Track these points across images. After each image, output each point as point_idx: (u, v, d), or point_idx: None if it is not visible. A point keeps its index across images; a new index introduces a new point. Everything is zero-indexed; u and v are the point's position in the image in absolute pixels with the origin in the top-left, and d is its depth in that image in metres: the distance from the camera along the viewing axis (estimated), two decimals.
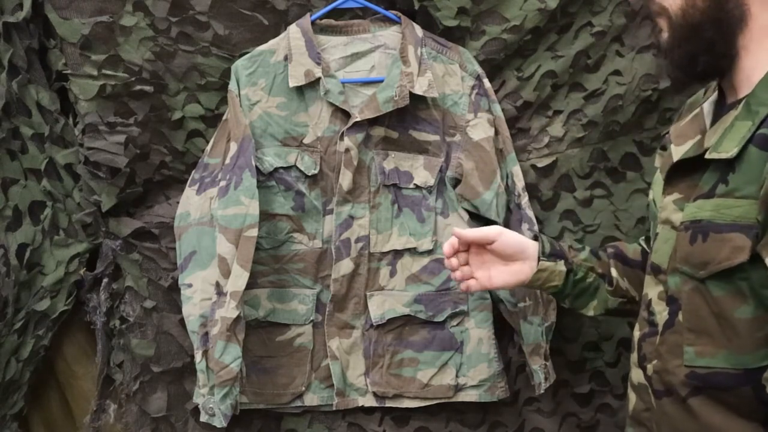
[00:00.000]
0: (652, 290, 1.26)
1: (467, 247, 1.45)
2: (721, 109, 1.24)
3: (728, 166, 1.13)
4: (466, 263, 1.46)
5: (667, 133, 1.38)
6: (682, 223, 1.19)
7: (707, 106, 1.28)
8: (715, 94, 1.28)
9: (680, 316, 1.18)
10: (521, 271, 1.45)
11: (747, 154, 1.11)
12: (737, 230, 1.09)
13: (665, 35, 1.22)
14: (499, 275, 1.45)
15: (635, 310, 1.44)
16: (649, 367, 1.23)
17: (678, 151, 1.26)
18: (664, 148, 1.44)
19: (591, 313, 1.51)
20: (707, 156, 1.16)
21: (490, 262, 1.45)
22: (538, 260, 1.45)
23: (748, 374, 1.11)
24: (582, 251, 1.50)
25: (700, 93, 1.40)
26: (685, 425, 1.17)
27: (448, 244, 1.44)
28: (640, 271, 1.45)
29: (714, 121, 1.24)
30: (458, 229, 1.44)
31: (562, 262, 1.46)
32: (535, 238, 1.49)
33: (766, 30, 1.17)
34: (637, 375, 1.27)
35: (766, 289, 1.09)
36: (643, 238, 1.56)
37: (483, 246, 1.44)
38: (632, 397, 1.29)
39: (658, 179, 1.35)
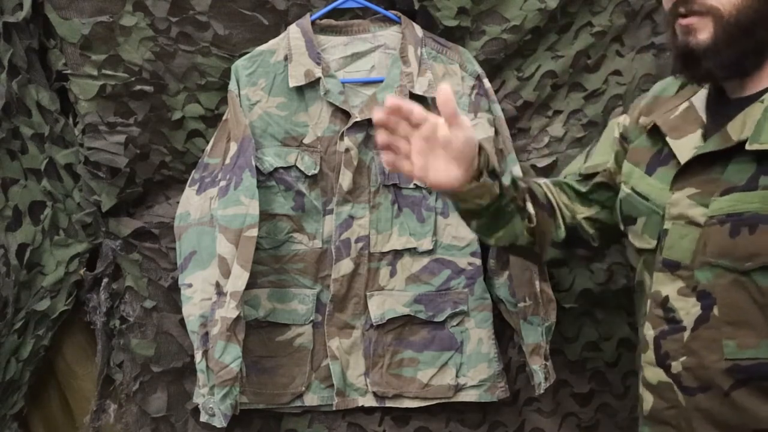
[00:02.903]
0: (666, 287, 1.25)
1: (416, 123, 1.20)
2: (721, 103, 1.25)
3: None
4: (407, 139, 1.21)
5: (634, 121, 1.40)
6: (712, 218, 1.19)
7: (698, 101, 1.29)
8: (704, 90, 1.29)
9: (715, 311, 1.19)
10: (456, 175, 1.24)
11: None
12: None
13: (702, 36, 1.19)
14: (436, 172, 1.23)
15: (533, 252, 1.43)
16: (675, 364, 1.23)
17: (682, 146, 1.26)
18: (623, 137, 1.44)
19: (492, 242, 1.40)
20: (748, 147, 1.16)
21: (436, 152, 1.21)
22: (479, 172, 1.27)
23: None
24: (505, 177, 1.36)
25: (667, 86, 1.40)
26: (726, 419, 1.18)
27: (391, 101, 1.18)
28: (546, 214, 1.41)
29: (713, 115, 1.25)
30: (445, 86, 1.17)
31: (497, 183, 1.31)
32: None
33: None
34: (654, 374, 1.26)
35: None
36: (556, 184, 1.49)
37: (436, 133, 1.21)
38: (648, 397, 1.28)
39: (635, 172, 1.34)
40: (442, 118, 1.19)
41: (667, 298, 1.25)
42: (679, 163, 1.26)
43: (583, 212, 1.48)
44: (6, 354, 1.66)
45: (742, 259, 1.16)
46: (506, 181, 1.35)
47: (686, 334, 1.22)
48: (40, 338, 1.70)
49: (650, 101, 1.41)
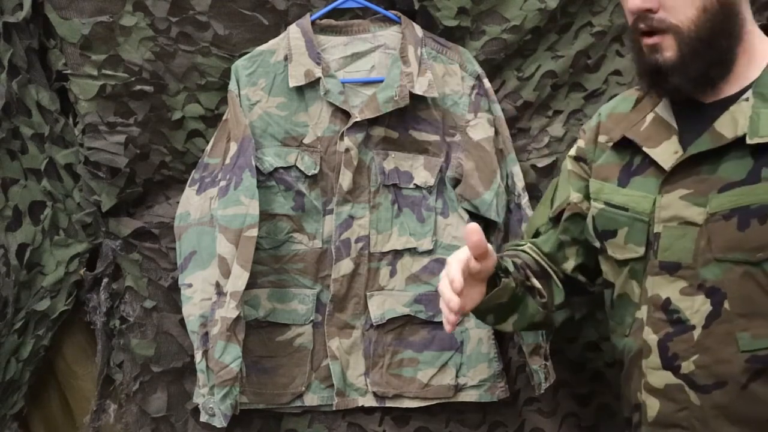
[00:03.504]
0: (666, 289, 1.27)
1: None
2: (689, 108, 1.29)
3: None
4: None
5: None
6: (714, 215, 1.21)
7: (663, 110, 1.33)
8: (666, 98, 1.33)
9: (726, 305, 1.21)
10: (483, 289, 1.31)
11: None
12: None
13: (669, 54, 1.24)
14: (470, 300, 1.29)
15: (546, 323, 1.45)
16: (685, 364, 1.24)
17: (662, 152, 1.29)
18: (581, 159, 1.46)
19: (509, 328, 1.42)
20: (749, 141, 1.19)
21: (467, 285, 1.25)
22: (496, 276, 1.32)
23: None
24: (506, 262, 1.38)
25: (618, 104, 1.43)
26: (744, 412, 1.20)
27: (459, 271, 1.19)
28: (544, 281, 1.42)
29: (683, 121, 1.29)
30: (475, 227, 1.20)
31: (511, 277, 1.35)
32: None
33: (752, 32, 1.28)
34: (660, 378, 1.27)
35: None
36: (529, 242, 1.50)
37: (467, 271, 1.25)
38: (652, 402, 1.28)
39: (606, 187, 1.36)
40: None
41: (668, 301, 1.26)
42: (660, 169, 1.29)
43: (567, 265, 1.47)
44: (6, 354, 1.66)
45: (754, 250, 1.19)
46: (509, 267, 1.37)
47: (697, 333, 1.23)
48: (40, 338, 1.70)
49: (605, 119, 1.44)
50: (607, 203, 1.37)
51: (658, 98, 1.35)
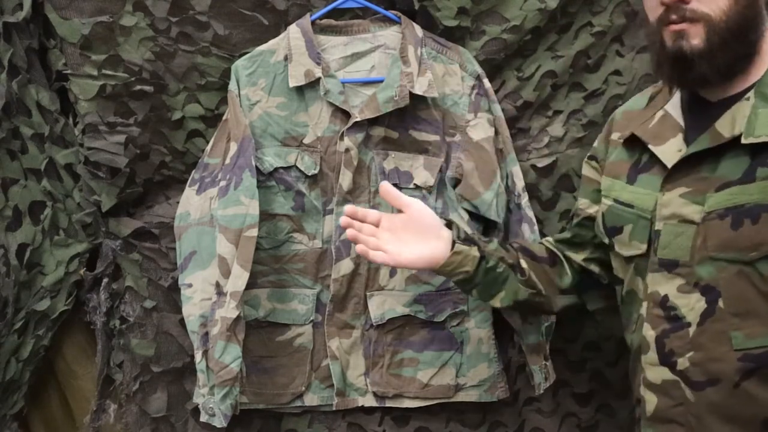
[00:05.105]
0: (664, 286, 1.28)
1: (374, 222, 1.46)
2: (698, 106, 1.30)
3: (766, 150, 1.19)
4: (373, 235, 1.45)
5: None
6: (710, 213, 1.22)
7: (672, 109, 1.35)
8: (677, 96, 1.35)
9: (721, 303, 1.21)
10: (435, 250, 1.45)
11: None
12: None
13: (695, 41, 1.23)
14: (410, 251, 1.44)
15: (542, 303, 1.53)
16: (681, 361, 1.25)
17: (666, 150, 1.31)
18: (593, 158, 1.52)
19: (498, 304, 1.52)
20: (744, 141, 1.20)
21: (403, 238, 1.45)
22: (453, 244, 1.45)
23: None
24: (491, 242, 1.52)
25: (634, 102, 1.47)
26: (737, 410, 1.21)
27: (347, 209, 1.44)
28: (546, 266, 1.53)
29: (691, 119, 1.30)
30: (384, 182, 1.46)
31: (476, 248, 1.46)
32: (449, 225, 1.50)
33: (764, 33, 1.28)
34: (658, 374, 1.28)
35: None
36: (552, 239, 1.60)
37: (396, 221, 1.46)
38: (650, 398, 1.30)
39: (617, 184, 1.39)
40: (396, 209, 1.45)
41: (666, 297, 1.27)
42: (665, 167, 1.30)
43: (579, 255, 1.54)
44: (6, 354, 1.66)
45: (746, 249, 1.19)
46: (491, 246, 1.50)
47: (692, 330, 1.24)
48: (40, 338, 1.70)
49: (619, 117, 1.48)
50: (615, 200, 1.39)
51: (670, 94, 1.36)
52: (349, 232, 1.44)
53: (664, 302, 1.28)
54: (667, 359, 1.27)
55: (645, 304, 1.32)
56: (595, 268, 1.53)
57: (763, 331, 1.18)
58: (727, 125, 1.23)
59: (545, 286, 1.52)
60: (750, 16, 1.24)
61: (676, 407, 1.26)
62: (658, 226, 1.29)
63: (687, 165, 1.27)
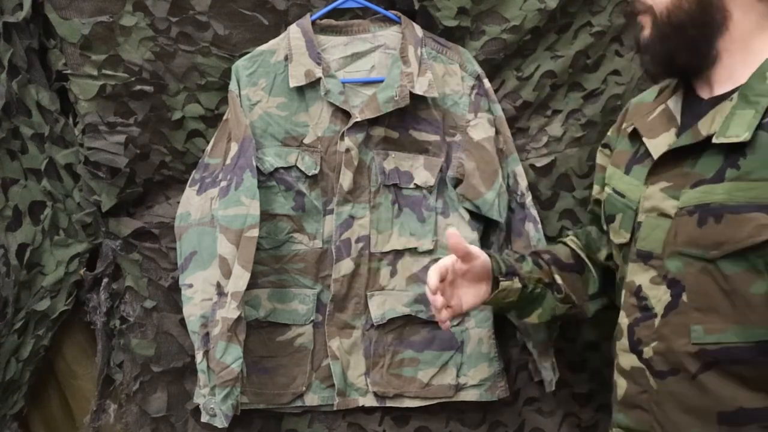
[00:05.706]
0: (640, 277, 1.31)
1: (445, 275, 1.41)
2: (694, 103, 1.33)
3: (736, 151, 1.20)
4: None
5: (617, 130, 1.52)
6: (682, 209, 1.25)
7: (673, 103, 1.37)
8: (680, 91, 1.37)
9: (684, 297, 1.24)
10: (484, 291, 1.46)
11: (758, 139, 1.19)
12: (756, 210, 1.16)
13: (646, 32, 1.32)
14: (467, 299, 1.45)
15: (576, 314, 1.55)
16: (647, 350, 1.28)
17: (657, 144, 1.33)
18: (606, 146, 1.55)
19: (536, 320, 1.54)
20: (715, 141, 1.22)
21: (459, 285, 1.45)
22: (495, 279, 1.45)
23: (760, 346, 1.18)
24: (524, 261, 1.51)
25: (646, 94, 1.49)
26: (694, 401, 1.23)
27: (435, 274, 1.37)
28: (575, 275, 1.54)
29: (686, 115, 1.33)
30: (454, 231, 1.38)
31: (517, 278, 1.47)
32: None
33: (748, 34, 1.27)
34: (628, 360, 1.32)
35: None
36: (572, 234, 1.63)
37: (456, 270, 1.43)
38: (621, 383, 1.33)
39: (616, 173, 1.42)
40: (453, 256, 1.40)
41: (640, 288, 1.31)
42: (653, 159, 1.33)
43: (601, 253, 1.56)
44: (6, 354, 1.66)
45: (709, 247, 1.21)
46: (526, 267, 1.49)
47: (657, 321, 1.27)
48: (40, 338, 1.70)
49: (632, 108, 1.50)
50: (614, 189, 1.42)
51: (673, 90, 1.39)
52: (443, 315, 1.41)
53: (637, 292, 1.31)
54: (635, 347, 1.30)
55: (623, 293, 1.36)
56: (613, 265, 1.54)
57: (721, 328, 1.20)
58: (707, 124, 1.25)
59: (578, 297, 1.54)
60: (695, 13, 1.26)
61: (642, 394, 1.29)
62: (640, 217, 1.32)
63: (672, 160, 1.29)
